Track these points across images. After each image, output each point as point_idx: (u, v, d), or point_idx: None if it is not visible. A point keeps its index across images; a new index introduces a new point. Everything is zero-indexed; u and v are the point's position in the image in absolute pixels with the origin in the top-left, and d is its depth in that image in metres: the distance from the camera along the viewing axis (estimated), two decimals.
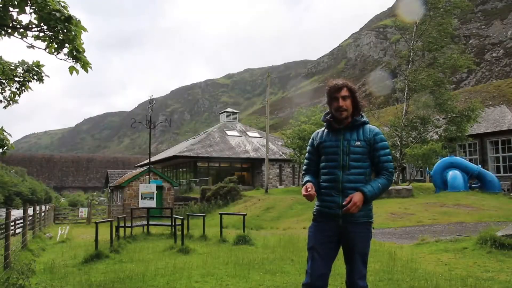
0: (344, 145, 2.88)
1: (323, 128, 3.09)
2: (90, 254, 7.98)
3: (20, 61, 5.34)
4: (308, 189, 2.81)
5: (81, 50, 4.04)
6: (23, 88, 5.48)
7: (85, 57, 4.12)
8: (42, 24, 3.83)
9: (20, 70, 5.33)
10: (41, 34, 3.95)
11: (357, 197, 2.71)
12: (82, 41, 4.01)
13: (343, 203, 2.74)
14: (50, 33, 3.92)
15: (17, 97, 5.65)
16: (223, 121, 41.81)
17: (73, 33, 3.87)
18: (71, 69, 4.13)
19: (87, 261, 7.69)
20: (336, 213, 2.85)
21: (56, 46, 3.99)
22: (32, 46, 4.06)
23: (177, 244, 8.94)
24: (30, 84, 5.47)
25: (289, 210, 18.97)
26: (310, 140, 3.13)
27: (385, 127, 25.08)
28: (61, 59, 4.10)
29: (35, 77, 5.35)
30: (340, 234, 2.87)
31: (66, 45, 3.97)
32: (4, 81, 5.40)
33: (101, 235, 9.41)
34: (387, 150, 2.92)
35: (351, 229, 2.84)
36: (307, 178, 3.03)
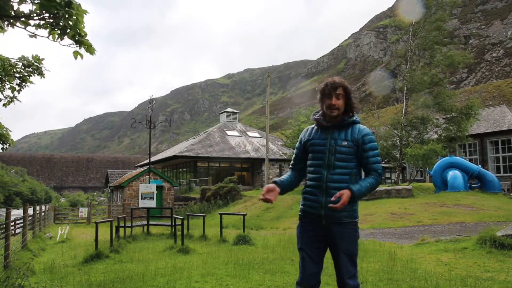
0: (330, 144, 2.86)
1: (313, 125, 3.06)
2: (90, 254, 7.97)
3: (20, 56, 5.33)
4: (264, 193, 2.79)
5: (83, 34, 4.03)
6: (23, 83, 5.47)
7: (88, 40, 4.11)
8: (44, 12, 3.82)
9: (20, 65, 5.31)
10: (42, 22, 3.94)
11: (345, 195, 2.69)
12: (84, 25, 4.00)
13: (332, 199, 2.72)
14: (51, 21, 3.91)
15: (16, 93, 5.63)
16: (223, 121, 41.80)
17: (74, 17, 3.85)
18: (75, 54, 4.11)
19: (87, 261, 7.69)
20: (319, 213, 2.83)
21: (58, 32, 3.97)
22: (34, 35, 4.04)
23: (177, 244, 8.94)
24: (31, 79, 5.45)
25: (289, 210, 18.96)
26: (300, 136, 3.11)
27: (385, 127, 25.09)
28: (65, 45, 4.10)
29: (35, 72, 5.34)
30: (325, 234, 2.86)
31: (68, 30, 3.95)
32: (4, 78, 5.39)
33: (101, 235, 9.41)
34: (376, 151, 2.89)
35: (335, 229, 2.82)
36: (282, 177, 3.05)
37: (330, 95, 2.87)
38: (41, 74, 5.35)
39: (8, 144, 6.37)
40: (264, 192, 2.81)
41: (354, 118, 2.93)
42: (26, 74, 5.34)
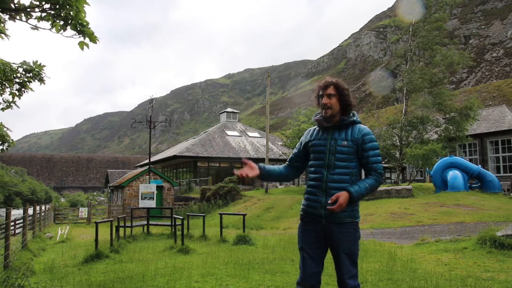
0: (331, 144, 2.87)
1: (315, 127, 3.09)
2: (90, 254, 7.98)
3: (22, 61, 5.32)
4: (244, 168, 2.96)
5: (85, 23, 4.03)
6: (23, 89, 5.46)
7: (90, 28, 4.10)
8: (43, 3, 3.81)
9: (21, 70, 5.31)
10: (44, 14, 3.93)
11: (342, 197, 2.70)
12: (85, 15, 3.98)
13: (328, 202, 2.74)
14: (53, 12, 3.89)
15: (16, 99, 5.63)
16: (223, 121, 41.80)
17: (74, 7, 3.84)
18: (81, 44, 4.11)
19: (87, 261, 7.69)
20: (319, 213, 2.84)
21: (61, 24, 3.96)
22: (36, 28, 4.03)
23: (177, 244, 8.95)
24: (31, 85, 5.45)
25: (289, 210, 18.95)
26: (303, 136, 3.14)
27: (384, 127, 25.11)
28: (67, 37, 4.09)
29: (35, 78, 5.34)
30: (325, 234, 2.86)
31: (70, 21, 3.94)
32: (5, 82, 5.38)
33: (101, 235, 9.42)
34: (377, 151, 2.88)
35: (335, 229, 2.82)
36: (271, 166, 3.14)
37: (322, 95, 2.91)
38: (41, 80, 5.34)
39: (7, 145, 6.35)
40: (245, 168, 2.96)
41: (355, 118, 2.93)
42: (26, 79, 5.33)
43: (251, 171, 2.96)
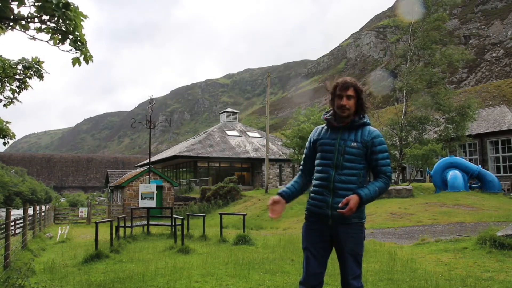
0: (340, 145, 2.85)
1: (323, 125, 3.06)
2: (90, 254, 7.98)
3: (20, 58, 5.32)
4: (270, 208, 2.88)
5: (83, 41, 4.03)
6: (23, 86, 5.47)
7: (87, 48, 4.09)
8: (43, 15, 3.80)
9: (20, 67, 5.30)
10: (43, 26, 3.93)
11: (353, 201, 2.68)
12: (84, 33, 3.97)
13: (339, 205, 2.72)
14: (53, 25, 3.89)
15: (16, 95, 5.63)
16: (223, 121, 41.81)
17: (73, 22, 3.83)
18: (75, 61, 4.11)
19: (87, 261, 7.69)
20: (326, 213, 2.82)
21: (60, 38, 3.95)
22: (33, 38, 4.02)
23: (177, 244, 8.95)
24: (31, 82, 5.46)
25: (289, 210, 18.95)
26: (309, 136, 3.11)
27: (385, 127, 25.13)
28: (64, 51, 4.09)
29: (35, 74, 5.33)
30: (330, 234, 2.86)
31: (70, 36, 3.93)
32: (5, 80, 5.38)
33: (101, 235, 9.42)
34: (386, 154, 2.87)
35: (341, 230, 2.82)
36: (287, 185, 3.08)
37: (341, 95, 2.87)
38: (40, 76, 5.34)
39: (9, 138, 6.33)
40: (271, 205, 2.88)
41: (365, 120, 2.92)
42: (26, 76, 5.34)
43: (279, 205, 2.90)
